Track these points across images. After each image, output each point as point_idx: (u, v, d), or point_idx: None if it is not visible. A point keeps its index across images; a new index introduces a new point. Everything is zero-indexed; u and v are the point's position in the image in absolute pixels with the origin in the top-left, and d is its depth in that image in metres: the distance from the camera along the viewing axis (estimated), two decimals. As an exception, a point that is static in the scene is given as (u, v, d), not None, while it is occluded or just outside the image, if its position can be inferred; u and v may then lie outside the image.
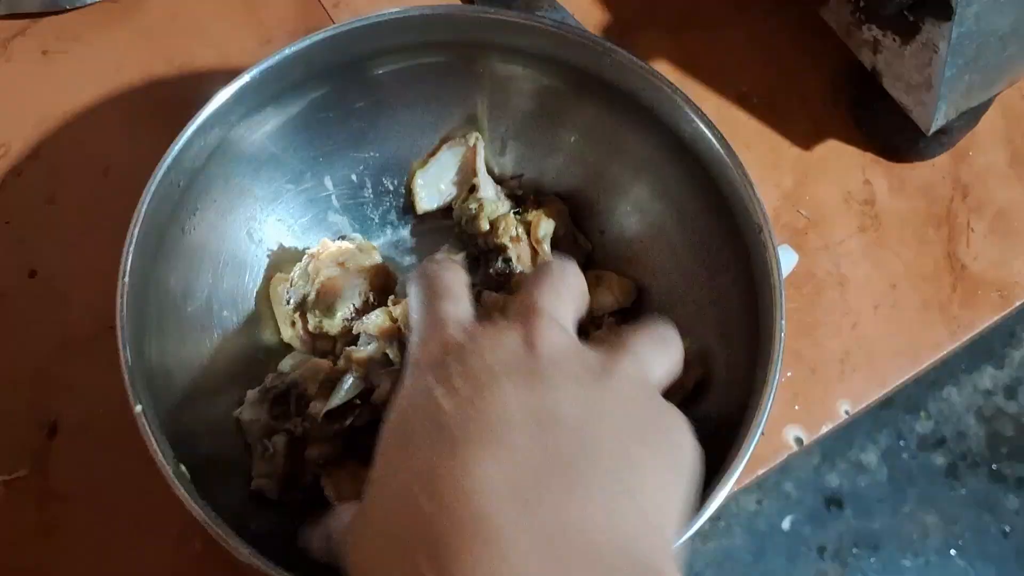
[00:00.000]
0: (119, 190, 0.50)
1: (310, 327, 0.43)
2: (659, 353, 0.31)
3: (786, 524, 1.22)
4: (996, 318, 0.50)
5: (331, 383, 0.40)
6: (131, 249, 0.35)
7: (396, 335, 0.41)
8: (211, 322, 0.42)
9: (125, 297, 0.34)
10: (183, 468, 0.34)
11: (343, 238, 0.46)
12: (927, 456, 1.31)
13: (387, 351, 0.40)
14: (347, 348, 0.42)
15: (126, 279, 0.34)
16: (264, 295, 0.44)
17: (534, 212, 0.46)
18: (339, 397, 0.39)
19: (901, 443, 1.31)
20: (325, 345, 0.44)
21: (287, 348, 0.44)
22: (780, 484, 1.22)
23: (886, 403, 1.36)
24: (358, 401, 0.40)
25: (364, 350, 0.41)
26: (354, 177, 0.46)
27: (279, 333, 0.44)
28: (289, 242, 0.45)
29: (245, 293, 0.44)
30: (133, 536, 0.44)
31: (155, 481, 0.33)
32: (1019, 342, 1.39)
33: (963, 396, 1.35)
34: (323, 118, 0.43)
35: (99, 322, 0.45)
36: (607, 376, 0.28)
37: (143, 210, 0.35)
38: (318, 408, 0.40)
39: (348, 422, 0.39)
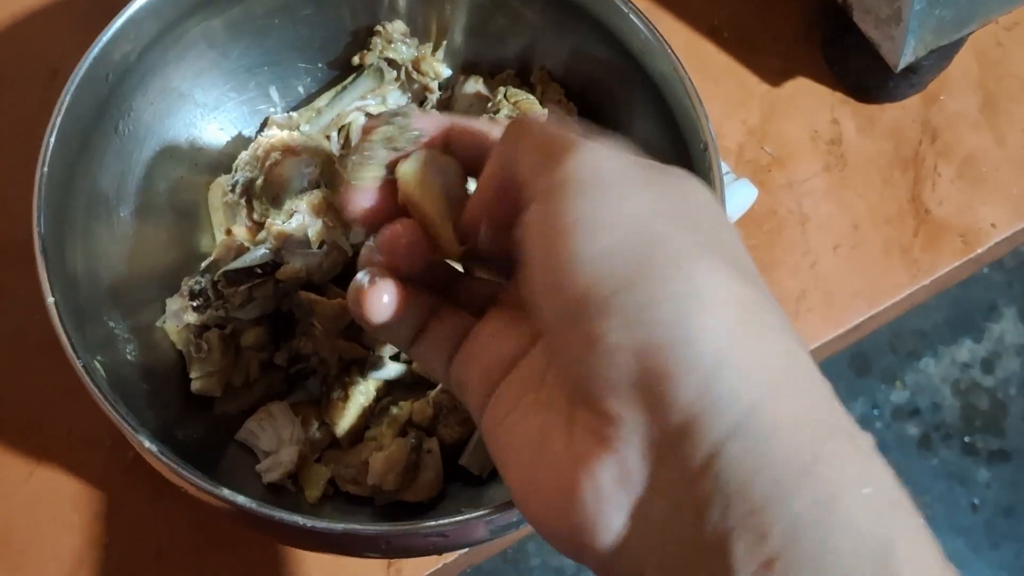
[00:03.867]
0: None
1: (255, 216, 0.42)
2: None
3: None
4: (957, 263, 0.50)
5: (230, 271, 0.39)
6: (52, 139, 0.34)
7: (324, 214, 0.40)
8: (145, 229, 0.40)
9: (43, 188, 0.33)
10: (98, 365, 0.33)
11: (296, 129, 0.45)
12: (901, 426, 1.31)
13: (309, 230, 0.39)
14: (268, 220, 0.41)
15: (45, 168, 0.33)
16: (202, 202, 0.43)
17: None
18: (243, 261, 0.38)
19: (876, 412, 1.31)
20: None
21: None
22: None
23: (862, 371, 1.36)
24: (259, 271, 0.39)
25: (286, 225, 0.40)
26: (301, 89, 0.45)
27: (215, 240, 0.43)
28: (229, 151, 0.44)
29: (183, 200, 0.42)
30: (65, 445, 0.43)
31: (88, 391, 0.32)
32: (999, 316, 1.38)
33: (940, 368, 1.34)
34: (268, 23, 0.42)
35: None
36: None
37: (66, 100, 0.34)
38: (232, 291, 0.39)
39: (244, 286, 0.38)
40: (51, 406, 0.43)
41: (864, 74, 0.50)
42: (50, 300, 0.32)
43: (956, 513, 1.28)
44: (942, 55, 0.49)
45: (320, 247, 0.41)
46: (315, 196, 0.40)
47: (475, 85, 0.46)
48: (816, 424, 0.20)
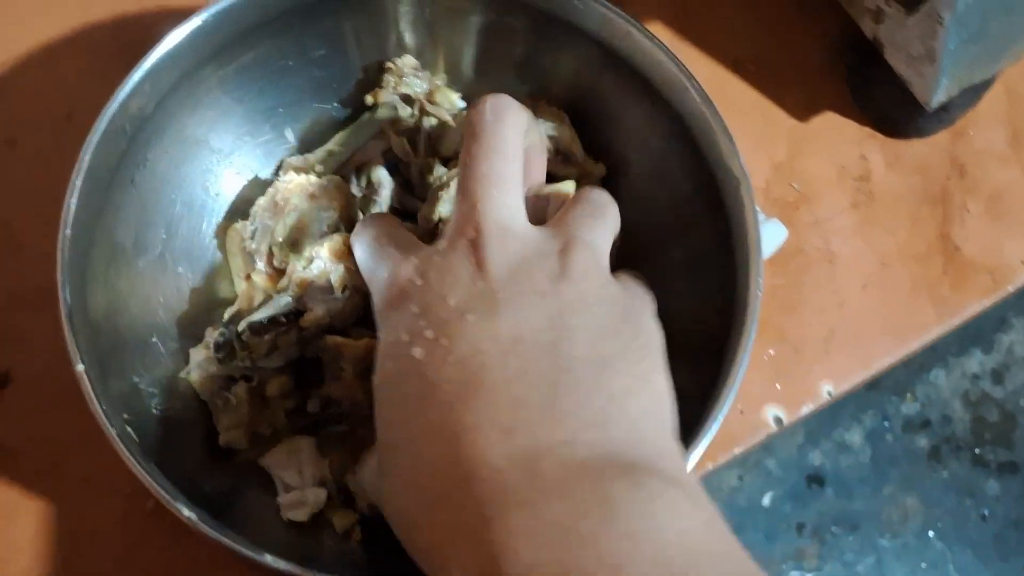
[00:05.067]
0: (83, 135, 0.47)
1: (275, 262, 0.42)
2: (602, 227, 0.31)
3: (766, 501, 1.22)
4: (986, 302, 0.49)
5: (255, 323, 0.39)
6: (73, 201, 0.33)
7: (345, 259, 0.39)
8: (164, 278, 0.40)
9: (67, 251, 0.32)
10: (130, 429, 0.32)
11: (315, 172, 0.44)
12: (911, 438, 1.30)
13: (331, 276, 0.39)
14: (289, 267, 0.40)
15: (68, 231, 0.32)
16: (220, 248, 0.42)
17: None
18: (267, 311, 0.38)
19: (886, 424, 1.31)
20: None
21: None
22: (762, 461, 1.22)
23: (873, 384, 1.35)
24: (283, 320, 0.38)
25: (307, 272, 0.39)
26: (316, 128, 0.44)
27: (234, 286, 0.42)
28: (246, 195, 0.43)
29: (201, 247, 0.42)
30: (84, 492, 0.42)
31: (107, 437, 0.32)
32: (1009, 327, 1.37)
33: (950, 380, 1.34)
34: (282, 66, 0.41)
35: (55, 272, 0.44)
36: (565, 279, 0.28)
37: (86, 159, 0.34)
38: (257, 341, 0.38)
39: (268, 336, 0.38)
40: (69, 452, 0.42)
41: (892, 109, 0.50)
42: (79, 368, 0.31)
43: (966, 525, 1.28)
44: (974, 92, 0.48)
45: (343, 292, 0.40)
46: (335, 242, 0.39)
47: None
48: None
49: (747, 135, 0.50)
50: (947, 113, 0.49)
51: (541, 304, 0.27)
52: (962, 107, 0.50)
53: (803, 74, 0.52)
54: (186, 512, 0.31)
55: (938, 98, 0.45)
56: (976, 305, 0.49)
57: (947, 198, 0.50)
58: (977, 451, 1.30)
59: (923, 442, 1.29)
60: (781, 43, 0.52)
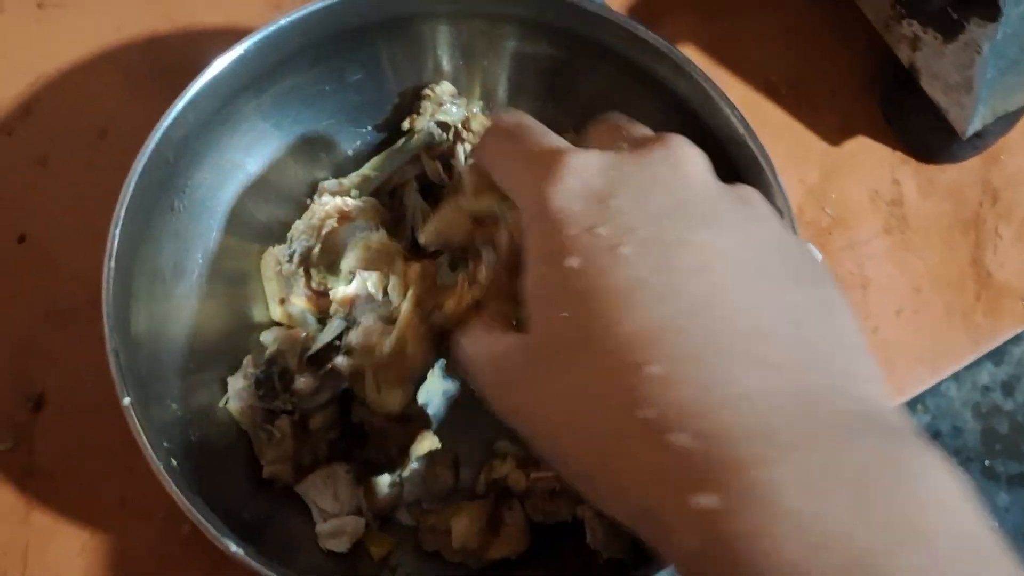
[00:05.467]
0: (116, 154, 0.48)
1: (314, 284, 0.42)
2: None
3: (777, 511, 1.22)
4: (1019, 329, 0.49)
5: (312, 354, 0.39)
6: (117, 231, 0.33)
7: (374, 264, 0.39)
8: (201, 303, 0.40)
9: (112, 282, 0.32)
10: (174, 462, 0.32)
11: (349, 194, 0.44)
12: (922, 450, 1.30)
13: (368, 284, 0.38)
14: (331, 291, 0.40)
15: (112, 263, 0.32)
16: (253, 272, 0.42)
17: None
18: (323, 339, 0.38)
19: (897, 435, 1.30)
20: (328, 304, 0.42)
21: (277, 327, 0.43)
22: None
23: (885, 396, 1.36)
24: (338, 343, 0.38)
25: (347, 288, 0.39)
26: (350, 152, 0.44)
27: (268, 310, 0.42)
28: (280, 218, 0.43)
29: (236, 271, 0.42)
30: (118, 516, 0.42)
31: (142, 460, 0.32)
32: (1019, 340, 1.37)
33: (961, 392, 1.33)
34: (319, 91, 0.41)
35: (89, 291, 0.43)
36: (754, 209, 0.25)
37: (131, 188, 0.33)
38: (303, 384, 0.38)
39: (328, 367, 0.37)
40: (103, 474, 0.42)
41: (926, 134, 0.49)
42: (126, 401, 0.31)
43: (975, 537, 1.28)
44: (1008, 119, 0.48)
45: (385, 294, 0.40)
46: (359, 247, 0.39)
47: None
48: None
49: (780, 158, 0.50)
50: (981, 139, 0.49)
51: (747, 229, 0.24)
52: (996, 133, 0.49)
53: (836, 98, 0.52)
54: (234, 548, 0.30)
55: (974, 126, 0.45)
56: (1009, 332, 0.49)
57: (979, 223, 0.50)
58: (987, 463, 1.30)
59: (934, 453, 1.29)
60: (815, 67, 0.52)
